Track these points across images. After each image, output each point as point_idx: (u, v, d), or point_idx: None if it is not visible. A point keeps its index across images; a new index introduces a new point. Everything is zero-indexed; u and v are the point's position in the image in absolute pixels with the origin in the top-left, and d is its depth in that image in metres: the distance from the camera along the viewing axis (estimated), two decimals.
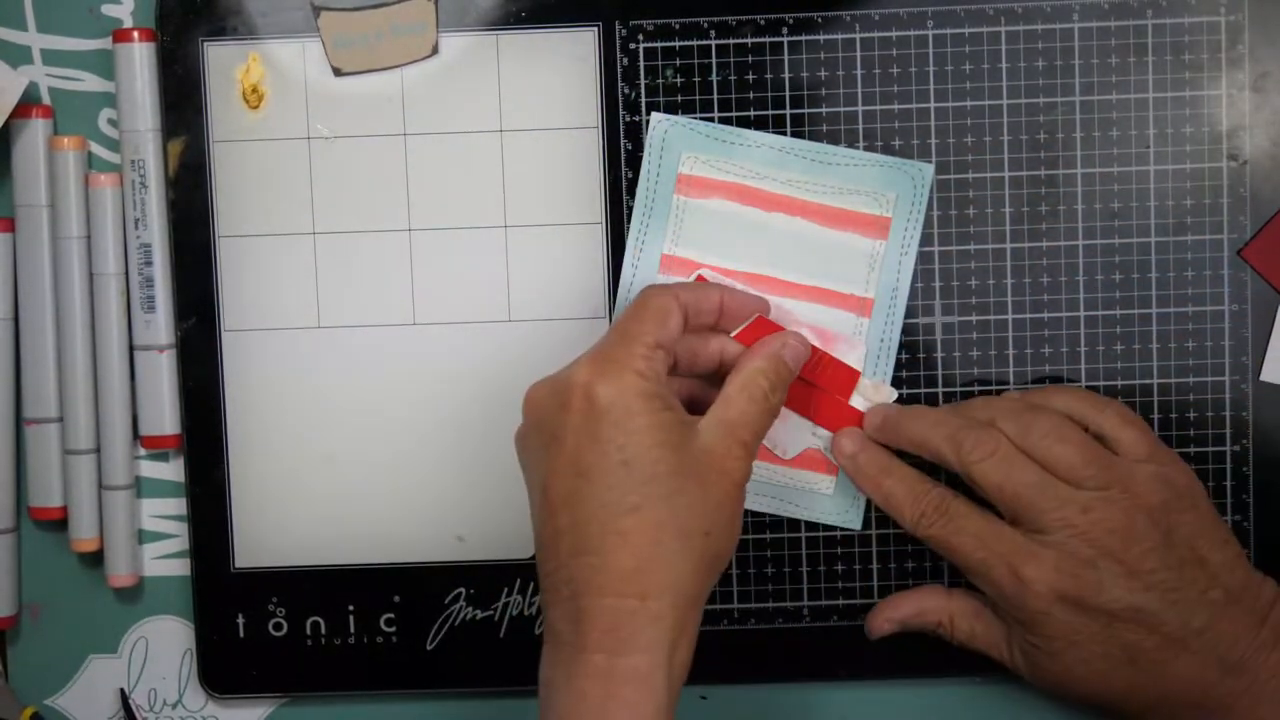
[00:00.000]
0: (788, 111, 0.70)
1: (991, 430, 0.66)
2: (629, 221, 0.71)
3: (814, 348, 0.70)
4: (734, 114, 0.70)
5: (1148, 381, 0.71)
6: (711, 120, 0.71)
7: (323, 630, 0.73)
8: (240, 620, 0.73)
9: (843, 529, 0.72)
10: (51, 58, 0.73)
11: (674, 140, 0.70)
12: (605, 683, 0.58)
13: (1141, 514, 0.65)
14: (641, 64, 0.71)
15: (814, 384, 0.70)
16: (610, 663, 0.58)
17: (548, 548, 0.61)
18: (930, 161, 0.70)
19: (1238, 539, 0.69)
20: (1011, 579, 0.65)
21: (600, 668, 0.58)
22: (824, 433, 0.70)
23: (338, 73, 0.71)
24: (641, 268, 0.71)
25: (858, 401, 0.70)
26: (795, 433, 0.70)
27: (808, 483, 0.71)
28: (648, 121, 0.71)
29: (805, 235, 0.70)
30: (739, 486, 0.62)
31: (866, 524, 0.72)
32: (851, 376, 0.70)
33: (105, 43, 0.72)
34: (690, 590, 0.60)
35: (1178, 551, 0.65)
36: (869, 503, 0.71)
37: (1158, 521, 0.65)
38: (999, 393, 0.70)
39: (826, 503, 0.71)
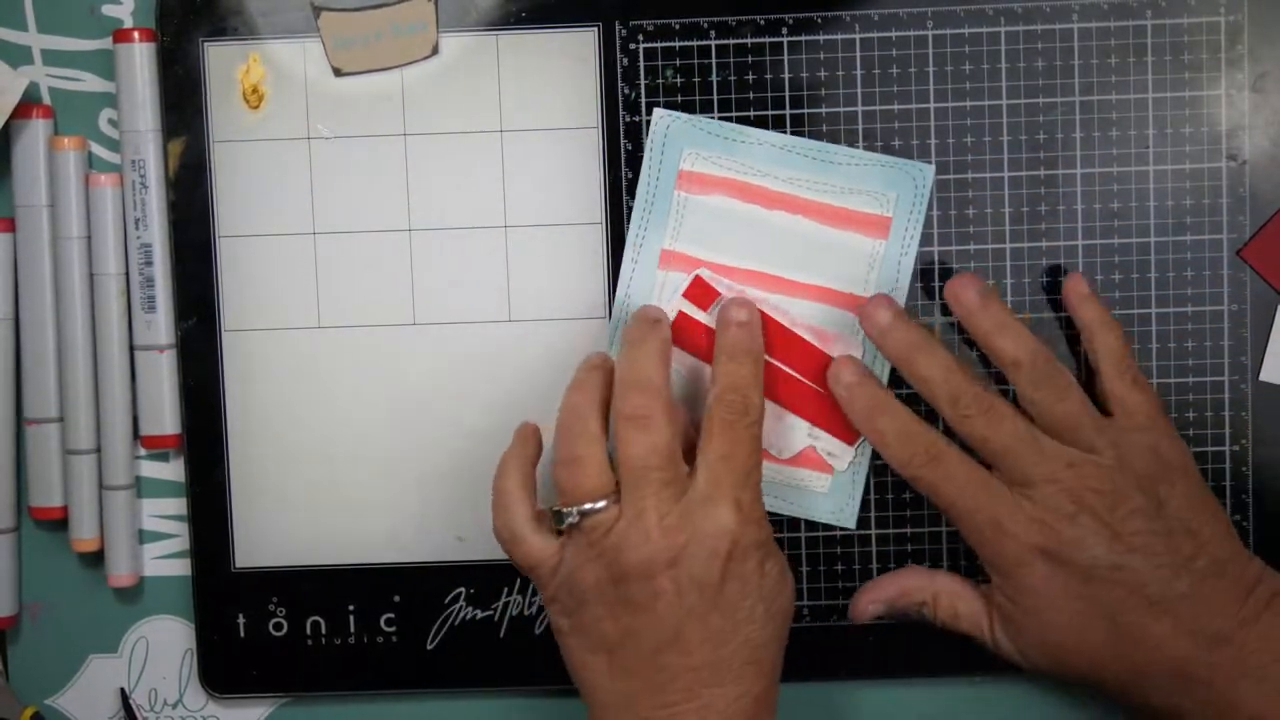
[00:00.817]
0: (787, 112, 0.70)
1: (989, 394, 0.66)
2: (629, 221, 0.71)
3: (811, 346, 0.70)
4: (734, 114, 0.70)
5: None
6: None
7: (323, 630, 0.73)
8: (240, 620, 0.73)
9: (838, 528, 0.72)
10: (52, 58, 0.73)
11: (676, 136, 0.70)
12: None
13: (1129, 479, 0.65)
14: (641, 64, 0.71)
15: (811, 384, 0.70)
16: None
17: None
18: (930, 162, 0.70)
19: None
20: (994, 529, 0.65)
21: None
22: (820, 432, 0.70)
23: (338, 73, 0.71)
24: (641, 263, 0.71)
25: None
26: (791, 433, 0.70)
27: (803, 480, 0.71)
28: (648, 121, 0.71)
29: (806, 233, 0.70)
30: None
31: (865, 524, 0.72)
32: None
33: (105, 43, 0.72)
34: None
35: (1167, 521, 0.65)
36: (864, 502, 0.71)
37: (1145, 489, 0.65)
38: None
39: (822, 501, 0.71)
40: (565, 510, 0.64)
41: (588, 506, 0.63)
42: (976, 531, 0.66)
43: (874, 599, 0.70)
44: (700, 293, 0.70)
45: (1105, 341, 0.68)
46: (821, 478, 0.71)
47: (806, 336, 0.70)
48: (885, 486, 0.71)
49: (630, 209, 0.71)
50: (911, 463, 0.66)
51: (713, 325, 0.70)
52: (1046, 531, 0.64)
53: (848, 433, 0.70)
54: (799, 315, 0.70)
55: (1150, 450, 0.66)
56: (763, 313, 0.70)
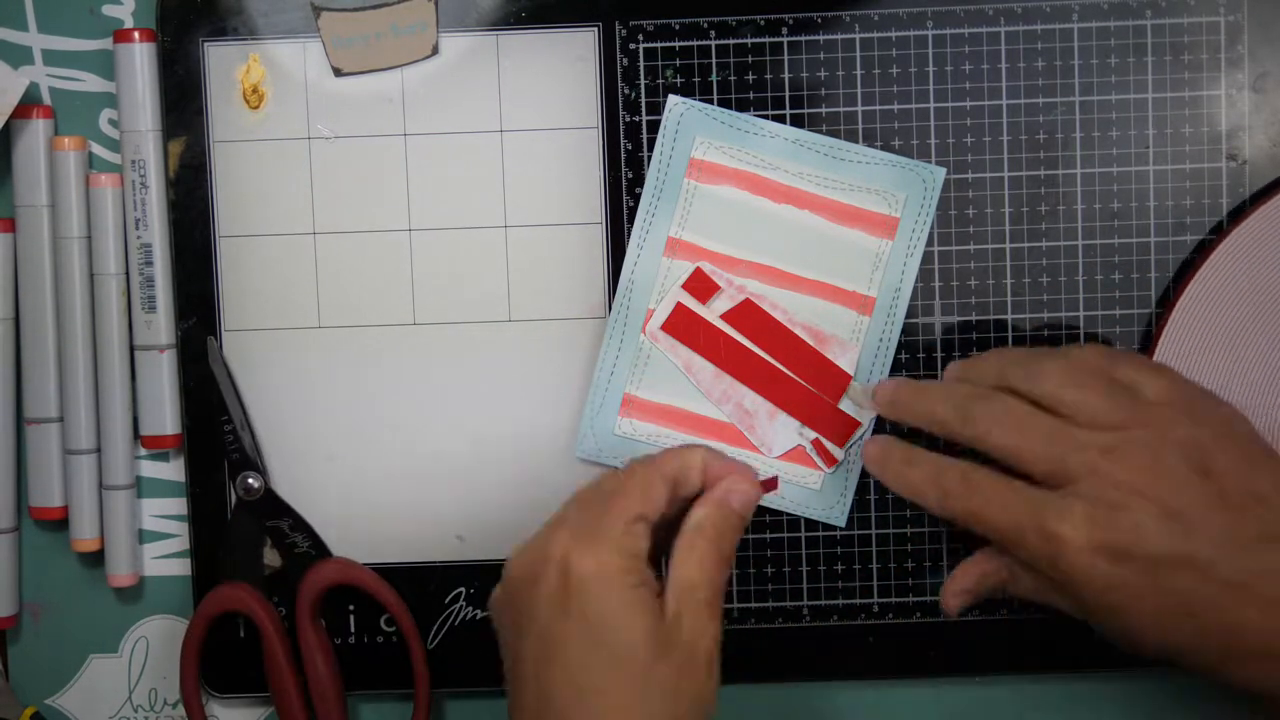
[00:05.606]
0: (787, 111, 0.70)
1: (999, 395, 0.63)
2: (629, 221, 0.71)
3: (807, 346, 0.70)
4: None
5: None
6: None
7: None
8: (240, 620, 0.73)
9: (828, 525, 0.72)
10: (52, 58, 0.73)
11: (689, 123, 0.70)
12: None
13: (1172, 449, 0.60)
14: (641, 64, 0.71)
15: (804, 384, 0.70)
16: None
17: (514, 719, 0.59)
18: (930, 162, 0.70)
19: None
20: (1044, 541, 0.60)
21: None
22: (810, 433, 0.70)
23: (338, 73, 0.71)
24: (647, 249, 0.71)
25: (847, 406, 0.70)
26: (783, 431, 0.71)
27: (796, 476, 0.71)
28: (649, 121, 0.71)
29: (813, 229, 0.70)
30: (710, 652, 0.59)
31: (865, 524, 0.72)
32: (842, 379, 0.70)
33: (106, 43, 0.72)
34: None
35: (1222, 488, 0.59)
36: (864, 502, 0.71)
37: (1190, 457, 0.60)
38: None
39: (813, 498, 0.71)
40: None
41: None
42: (1030, 549, 0.61)
43: (958, 590, 0.66)
44: (700, 285, 0.70)
45: (1081, 354, 0.64)
46: (813, 474, 0.71)
47: (803, 336, 0.70)
48: (885, 486, 0.71)
49: (630, 209, 0.71)
50: (946, 499, 0.63)
51: (710, 319, 0.70)
52: (1099, 528, 0.59)
53: (838, 434, 0.70)
54: (798, 314, 0.70)
55: (1189, 413, 0.61)
56: (761, 309, 0.70)
